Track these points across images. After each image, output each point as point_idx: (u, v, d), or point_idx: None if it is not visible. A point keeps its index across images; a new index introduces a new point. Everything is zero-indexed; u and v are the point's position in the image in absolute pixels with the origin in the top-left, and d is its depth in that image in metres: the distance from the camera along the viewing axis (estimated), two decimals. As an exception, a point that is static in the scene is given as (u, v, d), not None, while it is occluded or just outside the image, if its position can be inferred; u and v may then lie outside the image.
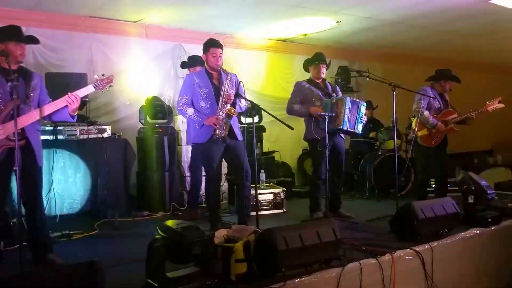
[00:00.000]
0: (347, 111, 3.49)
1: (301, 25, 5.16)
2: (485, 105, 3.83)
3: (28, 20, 4.34)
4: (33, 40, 2.67)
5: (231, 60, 5.41)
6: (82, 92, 2.62)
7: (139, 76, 4.84)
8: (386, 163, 4.83)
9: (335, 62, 5.78)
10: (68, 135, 3.80)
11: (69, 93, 2.55)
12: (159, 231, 2.07)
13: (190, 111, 3.22)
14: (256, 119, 4.38)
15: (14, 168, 2.23)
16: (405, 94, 3.61)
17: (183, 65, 4.28)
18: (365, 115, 3.65)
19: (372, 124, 5.53)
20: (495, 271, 3.12)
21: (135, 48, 4.85)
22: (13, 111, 2.31)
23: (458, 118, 3.89)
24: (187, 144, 4.42)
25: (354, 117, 3.56)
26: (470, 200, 3.37)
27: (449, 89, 4.02)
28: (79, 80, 4.04)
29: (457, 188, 4.21)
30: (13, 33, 2.51)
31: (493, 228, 3.11)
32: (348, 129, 3.55)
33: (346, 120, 3.49)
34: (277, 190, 4.16)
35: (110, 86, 2.72)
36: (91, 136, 3.88)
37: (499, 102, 3.82)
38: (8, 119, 2.43)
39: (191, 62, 4.06)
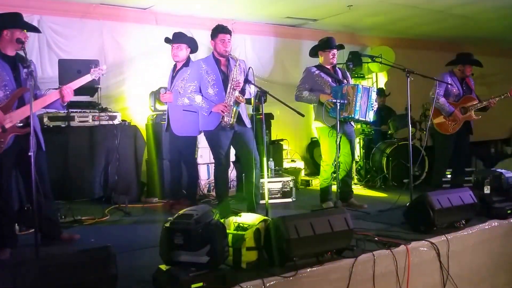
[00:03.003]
0: (358, 99, 3.36)
1: (311, 10, 5.01)
2: (510, 90, 3.66)
3: (40, 8, 4.35)
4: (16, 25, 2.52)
5: (239, 46, 5.32)
6: (80, 82, 2.71)
7: (149, 63, 4.80)
8: (399, 152, 4.71)
9: (346, 47, 5.62)
10: (80, 122, 3.84)
11: (63, 87, 2.62)
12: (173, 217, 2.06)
13: (199, 98, 3.18)
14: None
15: (29, 153, 2.24)
16: (419, 80, 3.47)
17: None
18: (375, 101, 3.53)
19: (384, 112, 5.39)
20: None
21: (145, 34, 4.81)
22: (22, 98, 2.39)
23: (479, 105, 3.74)
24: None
25: (365, 105, 3.42)
26: (487, 190, 3.26)
27: (470, 74, 3.84)
28: (91, 67, 4.02)
29: (471, 178, 4.08)
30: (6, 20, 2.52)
31: (512, 220, 3.01)
32: (360, 118, 3.43)
33: (357, 108, 3.37)
34: (285, 179, 4.11)
35: (102, 75, 2.84)
36: (102, 122, 3.92)
37: None
38: (16, 107, 2.45)
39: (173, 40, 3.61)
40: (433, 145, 4.09)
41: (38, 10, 4.31)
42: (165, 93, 3.67)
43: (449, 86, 3.75)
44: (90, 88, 3.84)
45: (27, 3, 4.22)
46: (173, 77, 3.68)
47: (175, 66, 3.74)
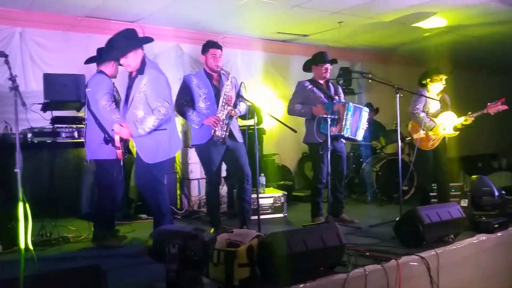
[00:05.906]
0: (349, 117, 3.37)
1: (302, 25, 5.12)
2: (487, 107, 3.72)
3: (24, 20, 4.30)
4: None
5: (230, 60, 5.36)
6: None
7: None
8: (389, 166, 4.76)
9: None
10: (66, 137, 3.76)
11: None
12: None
13: (189, 111, 3.17)
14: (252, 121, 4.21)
15: (16, 170, 2.17)
16: (408, 96, 3.53)
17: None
18: (366, 121, 3.53)
19: (373, 127, 5.46)
20: (503, 277, 3.06)
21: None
22: None
23: (457, 122, 3.80)
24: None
25: (355, 124, 3.43)
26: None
27: (442, 84, 3.84)
28: (76, 82, 3.97)
29: (459, 192, 4.13)
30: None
31: (499, 234, 3.05)
32: (350, 136, 3.44)
33: (348, 126, 3.37)
34: (277, 194, 4.09)
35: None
36: (89, 137, 3.81)
37: (502, 103, 3.68)
38: None
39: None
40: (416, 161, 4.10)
41: (20, 22, 4.25)
42: (119, 129, 2.74)
43: (428, 101, 3.79)
44: (76, 103, 3.78)
45: (8, 14, 4.16)
46: (128, 88, 2.80)
47: (129, 74, 2.87)
